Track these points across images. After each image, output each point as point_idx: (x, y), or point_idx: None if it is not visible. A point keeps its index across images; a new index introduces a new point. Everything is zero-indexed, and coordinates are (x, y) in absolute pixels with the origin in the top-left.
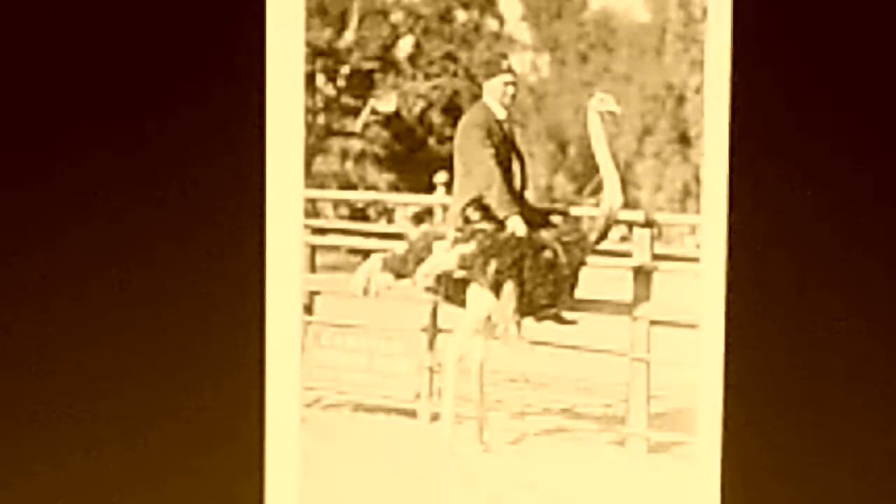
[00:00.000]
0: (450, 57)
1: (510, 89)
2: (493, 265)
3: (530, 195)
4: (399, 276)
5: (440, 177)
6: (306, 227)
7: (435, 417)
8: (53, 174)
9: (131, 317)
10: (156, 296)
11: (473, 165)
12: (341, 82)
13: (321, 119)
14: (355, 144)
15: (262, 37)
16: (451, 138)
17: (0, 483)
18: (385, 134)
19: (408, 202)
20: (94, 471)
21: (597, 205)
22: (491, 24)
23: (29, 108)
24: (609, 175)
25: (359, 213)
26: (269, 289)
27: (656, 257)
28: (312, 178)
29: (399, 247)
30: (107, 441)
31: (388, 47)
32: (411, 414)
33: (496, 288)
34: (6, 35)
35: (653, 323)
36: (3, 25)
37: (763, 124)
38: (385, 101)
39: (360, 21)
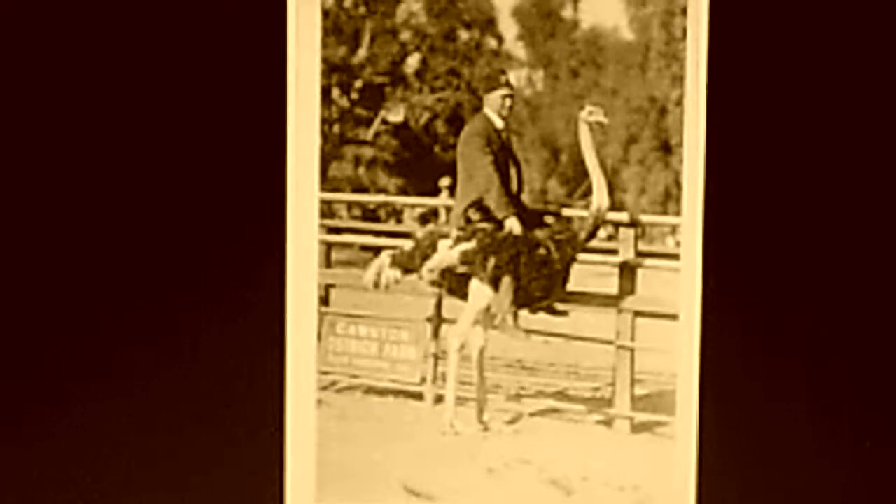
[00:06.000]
0: (453, 72)
1: (508, 102)
2: (492, 261)
3: (526, 197)
4: (407, 271)
5: (444, 181)
6: (322, 226)
7: (439, 399)
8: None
9: (165, 309)
10: (185, 289)
11: (474, 171)
12: (355, 95)
13: (336, 128)
14: (367, 151)
15: (282, 54)
16: (454, 146)
17: (20, 481)
18: (394, 142)
19: (415, 204)
20: (129, 446)
21: (586, 206)
22: (491, 42)
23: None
24: (597, 179)
25: (370, 214)
26: (289, 282)
27: (640, 254)
28: (328, 182)
29: (407, 244)
30: (144, 420)
31: (397, 63)
32: (417, 396)
33: (495, 282)
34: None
35: (636, 314)
36: None
37: (737, 134)
38: (394, 113)
39: (372, 39)
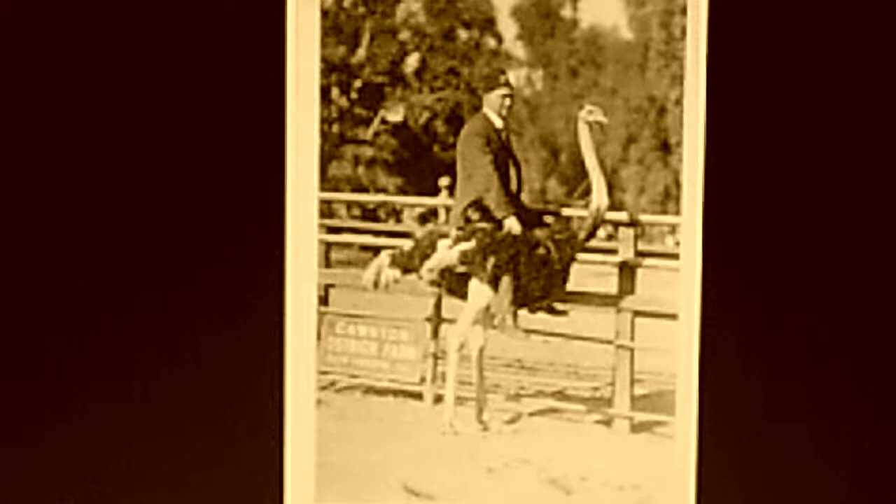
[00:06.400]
0: (452, 72)
1: (507, 101)
2: (491, 261)
3: (525, 197)
4: (406, 270)
5: (444, 181)
6: (322, 226)
7: (438, 399)
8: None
9: (165, 309)
10: (185, 289)
11: (474, 170)
12: (354, 95)
13: (335, 128)
14: (367, 151)
15: (282, 53)
16: (453, 146)
17: (20, 481)
18: (393, 142)
19: (414, 204)
20: (129, 446)
21: (585, 206)
22: (490, 42)
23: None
24: (597, 179)
25: (370, 214)
26: (289, 282)
27: (639, 254)
28: (327, 182)
29: (406, 244)
30: (144, 420)
31: (396, 63)
32: (417, 396)
33: (494, 282)
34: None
35: (636, 314)
36: None
37: (736, 133)
38: (394, 112)
39: (371, 39)
